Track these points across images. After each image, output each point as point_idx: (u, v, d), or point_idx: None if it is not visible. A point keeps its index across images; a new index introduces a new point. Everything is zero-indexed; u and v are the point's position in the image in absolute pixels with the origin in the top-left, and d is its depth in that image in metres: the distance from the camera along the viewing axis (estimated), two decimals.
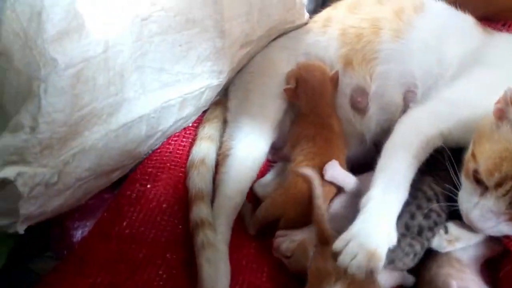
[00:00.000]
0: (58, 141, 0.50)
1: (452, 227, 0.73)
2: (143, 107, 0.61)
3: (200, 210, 0.82)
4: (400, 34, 0.86)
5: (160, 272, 0.79)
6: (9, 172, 0.45)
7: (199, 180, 0.86)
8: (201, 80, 0.70)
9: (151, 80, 0.61)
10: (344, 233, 0.63)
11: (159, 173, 0.91)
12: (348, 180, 0.81)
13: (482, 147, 0.57)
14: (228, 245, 0.83)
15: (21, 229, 0.51)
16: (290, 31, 0.95)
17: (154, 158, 0.93)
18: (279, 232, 0.81)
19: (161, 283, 0.77)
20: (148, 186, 0.88)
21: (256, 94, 0.90)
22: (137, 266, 0.78)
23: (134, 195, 0.87)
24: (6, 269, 0.73)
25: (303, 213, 0.81)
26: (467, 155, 0.61)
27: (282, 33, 0.93)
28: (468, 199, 0.60)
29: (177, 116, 0.70)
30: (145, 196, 0.87)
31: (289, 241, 0.79)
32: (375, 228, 0.62)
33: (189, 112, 0.73)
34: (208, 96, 0.76)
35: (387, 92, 0.89)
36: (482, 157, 0.57)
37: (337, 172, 0.80)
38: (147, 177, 0.89)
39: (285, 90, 0.88)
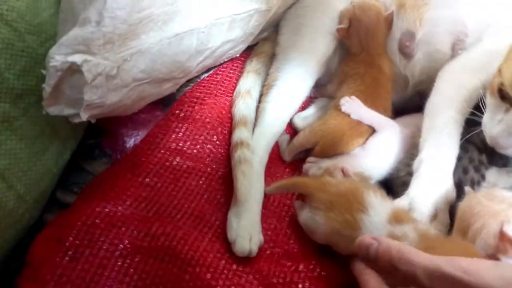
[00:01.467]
0: (119, 38, 0.56)
1: (489, 174, 0.73)
2: (195, 20, 0.66)
3: (242, 133, 0.88)
4: None
5: (201, 182, 0.87)
6: (77, 57, 0.53)
7: (244, 108, 0.92)
8: (250, 2, 0.74)
9: None
10: (400, 198, 0.65)
11: (206, 98, 0.97)
12: (377, 119, 0.83)
13: (509, 62, 0.57)
14: (264, 168, 0.89)
15: (84, 115, 0.60)
16: None
17: (203, 85, 1.00)
18: (309, 158, 0.85)
19: (200, 191, 0.85)
20: (196, 107, 0.96)
21: (308, 29, 0.93)
22: (181, 175, 0.86)
23: (182, 114, 0.95)
24: (65, 169, 0.85)
25: (336, 144, 0.84)
26: (494, 73, 0.61)
27: None
28: (492, 117, 0.60)
29: (226, 37, 0.75)
30: (192, 116, 0.94)
31: (317, 167, 0.83)
32: (432, 192, 0.64)
33: (237, 35, 0.78)
34: (257, 21, 0.80)
35: (435, 39, 0.88)
36: (508, 71, 0.56)
37: (361, 111, 0.82)
38: (195, 100, 0.97)
39: (338, 30, 0.90)
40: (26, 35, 0.60)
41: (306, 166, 0.85)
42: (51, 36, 0.64)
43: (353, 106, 0.83)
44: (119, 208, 0.75)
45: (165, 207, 0.80)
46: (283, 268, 0.76)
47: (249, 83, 0.97)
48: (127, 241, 0.72)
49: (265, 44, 1.01)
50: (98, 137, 0.93)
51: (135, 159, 0.87)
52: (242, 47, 0.93)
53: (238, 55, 1.00)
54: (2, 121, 0.60)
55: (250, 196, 0.78)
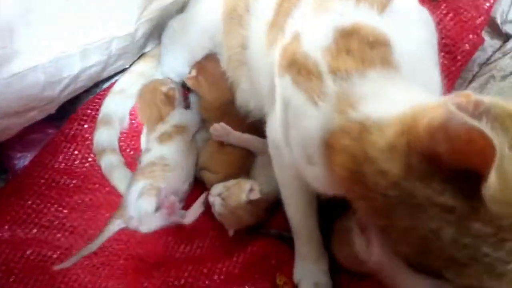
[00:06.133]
0: None
1: None
2: (37, 58, 0.70)
3: (101, 136, 0.97)
4: None
5: (87, 199, 0.93)
6: None
7: (110, 105, 1.00)
8: (103, 31, 0.77)
9: (42, 34, 0.69)
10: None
11: (96, 115, 1.02)
12: (246, 140, 0.87)
13: None
14: None
15: None
16: None
17: (95, 100, 1.03)
18: (212, 191, 0.84)
19: (85, 207, 0.91)
20: (85, 126, 1.00)
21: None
22: (66, 193, 0.92)
23: (72, 132, 0.99)
24: None
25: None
26: None
27: None
28: None
29: (82, 64, 0.78)
30: (81, 135, 0.99)
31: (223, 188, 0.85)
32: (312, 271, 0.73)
33: (98, 60, 0.82)
34: (120, 45, 0.84)
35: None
36: None
37: (230, 136, 0.87)
38: (85, 118, 1.01)
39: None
40: None
41: (211, 199, 0.84)
42: None
43: (222, 132, 0.87)
44: None
45: (44, 228, 0.86)
46: None
47: (125, 83, 1.01)
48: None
49: (154, 49, 1.05)
50: None
51: (21, 181, 0.92)
52: (123, 62, 0.96)
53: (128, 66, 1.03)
54: None
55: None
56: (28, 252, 0.81)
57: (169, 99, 0.96)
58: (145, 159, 0.91)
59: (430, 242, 0.37)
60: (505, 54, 0.89)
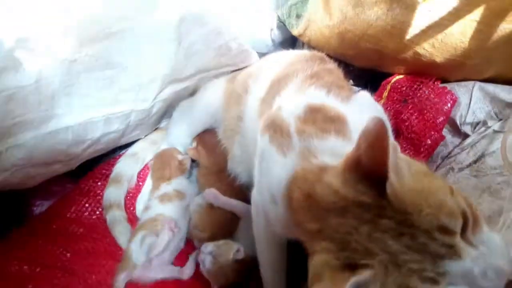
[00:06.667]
0: None
1: None
2: (69, 121, 0.88)
3: (111, 193, 1.10)
4: None
5: (89, 247, 1.04)
6: None
7: (122, 166, 1.17)
8: (124, 105, 0.96)
9: (77, 103, 0.88)
10: None
11: (109, 175, 1.17)
12: (234, 205, 1.01)
13: None
14: None
15: None
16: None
17: (111, 163, 1.20)
18: (203, 249, 0.96)
19: (88, 248, 1.03)
20: (99, 183, 1.16)
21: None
22: (73, 239, 1.04)
23: (87, 188, 1.14)
24: None
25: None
26: None
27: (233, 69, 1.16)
28: None
29: (104, 130, 0.96)
30: (94, 190, 1.14)
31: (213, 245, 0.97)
32: None
33: (118, 127, 0.99)
34: (137, 117, 1.02)
35: None
36: None
37: (220, 200, 1.01)
38: (100, 176, 1.17)
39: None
40: None
41: (201, 256, 0.96)
42: None
43: (213, 196, 1.01)
44: None
45: (48, 267, 0.96)
46: None
47: (139, 148, 1.17)
48: None
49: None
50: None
51: (36, 226, 1.06)
52: (139, 132, 1.14)
53: (143, 137, 1.21)
54: None
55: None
56: (29, 287, 0.92)
57: (181, 167, 1.12)
58: (146, 215, 1.04)
59: (351, 236, 0.50)
60: (463, 150, 1.03)
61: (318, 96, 0.76)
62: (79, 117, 0.89)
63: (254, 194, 0.79)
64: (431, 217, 0.49)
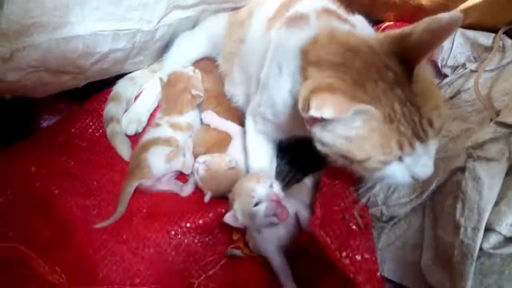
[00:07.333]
0: (14, 33, 0.83)
1: None
2: (80, 29, 0.94)
3: (111, 108, 1.19)
4: None
5: (92, 158, 1.12)
6: None
7: (120, 87, 1.24)
8: (131, 23, 1.02)
9: (89, 13, 0.94)
10: None
11: None
12: (227, 126, 1.10)
13: None
14: None
15: None
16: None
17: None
18: (198, 159, 1.07)
19: (91, 159, 1.11)
20: (102, 106, 1.22)
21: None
22: (76, 150, 1.11)
23: (91, 108, 1.21)
24: None
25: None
26: None
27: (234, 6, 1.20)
28: None
29: (112, 45, 1.02)
30: (98, 111, 1.21)
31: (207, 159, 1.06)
32: None
33: (124, 46, 1.05)
34: (143, 38, 1.08)
35: None
36: None
37: (216, 121, 1.10)
38: (103, 99, 1.23)
39: None
40: None
41: (196, 165, 1.07)
42: None
43: (210, 118, 1.10)
44: None
45: (53, 171, 1.04)
46: None
47: (138, 74, 1.24)
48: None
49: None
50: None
51: (43, 137, 1.13)
52: (143, 59, 1.20)
53: (146, 67, 1.28)
54: None
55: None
56: (37, 184, 0.99)
57: (193, 101, 1.18)
58: (156, 132, 1.11)
59: (369, 82, 0.65)
60: (441, 88, 1.13)
61: (331, 6, 0.91)
62: (90, 27, 0.95)
63: (252, 106, 0.89)
64: (431, 112, 0.66)
